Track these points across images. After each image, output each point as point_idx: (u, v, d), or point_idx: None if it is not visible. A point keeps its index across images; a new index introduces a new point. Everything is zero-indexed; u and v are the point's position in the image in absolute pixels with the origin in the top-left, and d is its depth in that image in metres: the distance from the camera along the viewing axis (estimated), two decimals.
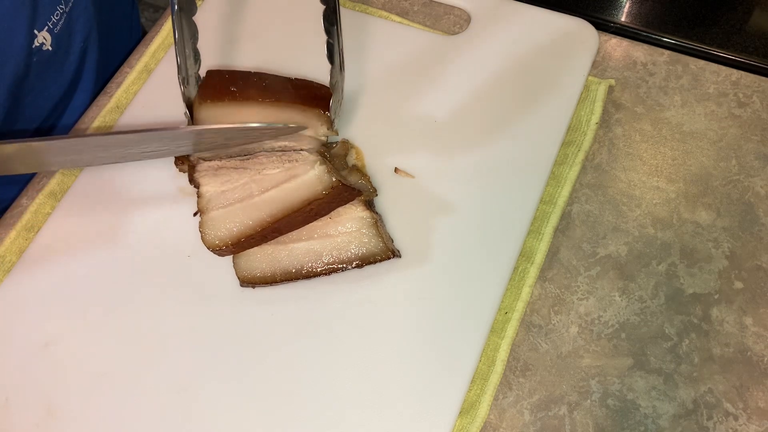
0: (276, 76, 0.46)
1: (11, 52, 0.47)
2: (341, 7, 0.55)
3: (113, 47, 0.61)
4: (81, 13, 0.53)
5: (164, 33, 0.56)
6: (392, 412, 0.40)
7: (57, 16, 0.50)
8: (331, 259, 0.43)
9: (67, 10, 0.51)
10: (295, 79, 0.47)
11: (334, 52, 0.45)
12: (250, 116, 0.44)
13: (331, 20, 0.44)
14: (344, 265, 0.43)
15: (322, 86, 0.47)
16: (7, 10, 0.45)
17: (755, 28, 0.56)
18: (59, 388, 0.42)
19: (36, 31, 0.48)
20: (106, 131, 0.49)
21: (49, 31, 0.49)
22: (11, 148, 0.38)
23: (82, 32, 0.54)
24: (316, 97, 0.46)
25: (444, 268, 0.44)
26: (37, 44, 0.49)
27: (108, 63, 0.59)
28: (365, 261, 0.43)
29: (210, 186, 0.44)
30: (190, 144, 0.43)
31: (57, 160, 0.42)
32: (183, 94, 0.45)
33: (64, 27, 0.51)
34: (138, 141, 0.41)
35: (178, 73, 0.44)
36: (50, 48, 0.50)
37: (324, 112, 0.45)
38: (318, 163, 0.43)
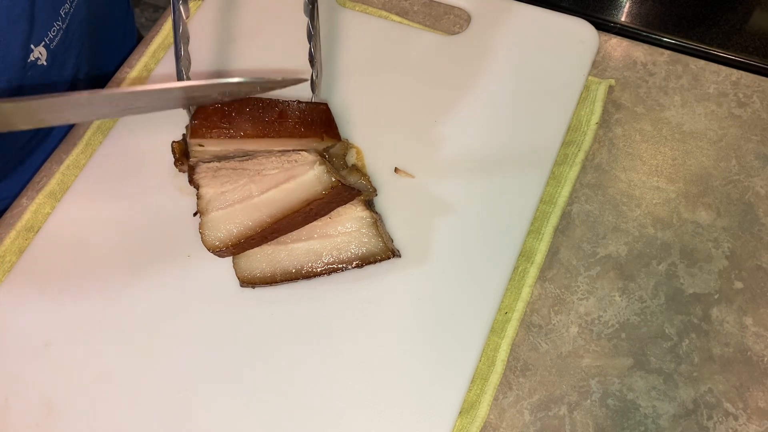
0: (270, 102, 0.46)
1: (6, 66, 0.47)
2: (342, 7, 0.55)
3: (106, 61, 0.61)
4: (76, 30, 0.53)
5: (164, 33, 0.56)
6: (392, 412, 0.40)
7: (54, 32, 0.50)
8: (331, 259, 0.43)
9: (64, 26, 0.51)
10: (289, 103, 0.46)
11: (315, 50, 0.47)
12: (247, 148, 0.45)
13: (313, 18, 0.46)
14: (344, 265, 0.43)
15: (316, 106, 0.46)
16: (3, 24, 0.45)
17: (755, 28, 0.56)
18: (59, 388, 0.42)
19: (32, 46, 0.48)
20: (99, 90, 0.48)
21: (46, 46, 0.49)
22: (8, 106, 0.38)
23: (77, 48, 0.54)
24: (313, 123, 0.45)
25: (444, 268, 0.44)
26: (33, 59, 0.49)
27: (100, 77, 0.59)
28: (365, 261, 0.43)
29: (209, 187, 0.44)
30: (183, 100, 0.44)
31: (52, 116, 0.42)
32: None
33: (60, 43, 0.51)
34: (126, 98, 0.41)
35: (176, 67, 0.46)
36: (45, 63, 0.50)
37: (322, 138, 0.46)
38: (317, 163, 0.43)
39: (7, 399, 0.42)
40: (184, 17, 0.44)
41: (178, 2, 0.44)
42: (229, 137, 0.44)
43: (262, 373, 0.42)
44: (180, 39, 0.45)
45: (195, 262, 0.45)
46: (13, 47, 0.47)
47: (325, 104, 0.47)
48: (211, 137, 0.44)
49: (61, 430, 0.41)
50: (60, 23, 0.50)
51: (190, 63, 0.46)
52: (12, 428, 0.41)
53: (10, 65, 0.47)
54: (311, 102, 0.47)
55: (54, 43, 0.50)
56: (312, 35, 0.46)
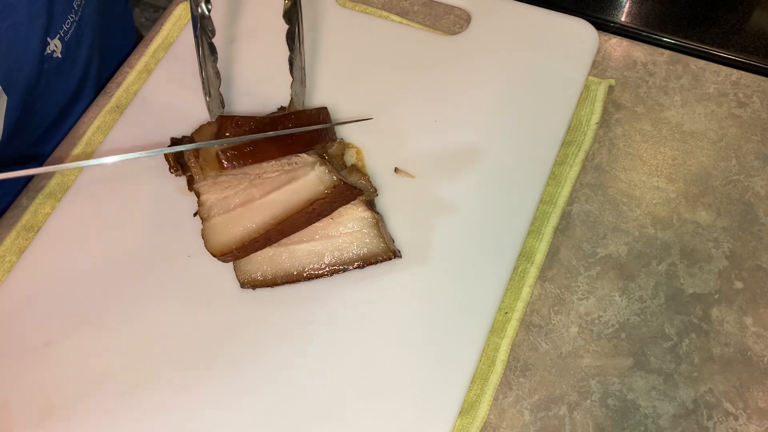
0: (277, 118, 0.46)
1: (26, 60, 0.48)
2: (342, 8, 0.55)
3: (111, 53, 0.62)
4: (88, 22, 0.55)
5: (164, 33, 0.56)
6: (392, 411, 0.40)
7: (68, 24, 0.51)
8: (333, 260, 0.43)
9: (77, 18, 0.52)
10: (296, 114, 0.46)
11: (294, 67, 0.47)
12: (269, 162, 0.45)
13: (293, 39, 0.45)
14: (346, 266, 0.43)
15: (319, 111, 0.47)
16: (24, 19, 0.46)
17: (755, 28, 0.56)
18: (59, 388, 0.42)
19: (49, 39, 0.49)
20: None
21: (60, 38, 0.51)
22: None
23: (89, 40, 0.56)
24: (320, 129, 0.46)
25: (444, 268, 0.44)
26: (49, 51, 0.50)
27: (107, 68, 0.60)
28: (366, 261, 0.43)
29: (210, 194, 0.44)
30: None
31: None
32: (207, 104, 0.47)
33: (73, 35, 0.52)
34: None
35: (202, 88, 0.46)
36: (60, 55, 0.51)
37: (327, 141, 0.47)
38: (318, 164, 0.43)
39: (7, 399, 0.42)
40: (210, 34, 0.43)
41: (197, 23, 0.42)
42: (256, 163, 0.44)
43: (261, 372, 0.42)
44: (206, 57, 0.44)
45: (195, 262, 0.45)
46: (32, 42, 0.48)
47: (325, 108, 0.48)
48: (242, 165, 0.44)
49: (61, 430, 0.41)
50: (73, 15, 0.52)
51: (220, 80, 0.46)
52: (12, 428, 0.41)
53: (30, 60, 0.48)
54: (314, 108, 0.47)
55: (68, 36, 0.52)
56: (293, 60, 0.46)
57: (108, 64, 0.60)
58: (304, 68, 0.47)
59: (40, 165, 0.53)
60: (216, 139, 0.44)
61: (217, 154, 0.43)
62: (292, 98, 0.48)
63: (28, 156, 0.56)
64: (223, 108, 0.48)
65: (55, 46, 0.50)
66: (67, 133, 0.54)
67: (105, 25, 0.59)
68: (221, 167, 0.43)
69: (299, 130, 0.45)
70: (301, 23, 0.45)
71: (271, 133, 0.44)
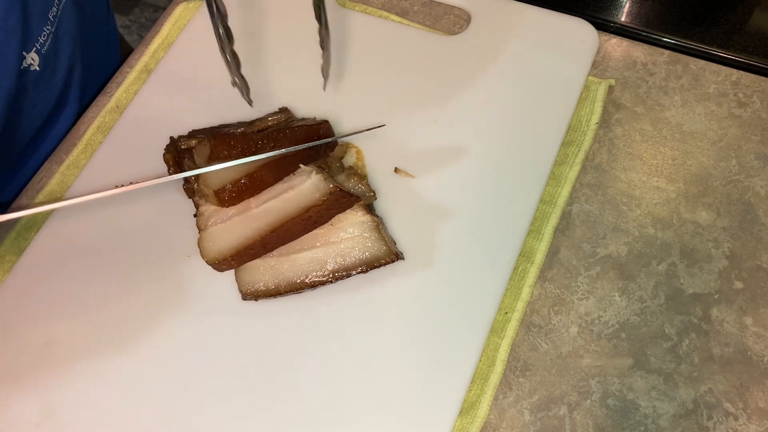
0: (276, 136, 0.45)
1: (3, 76, 0.47)
2: (342, 7, 0.55)
3: (94, 61, 0.61)
4: (65, 32, 0.54)
5: (164, 33, 0.56)
6: (393, 411, 0.40)
7: (44, 37, 0.50)
8: (336, 267, 0.43)
9: (53, 30, 0.51)
10: (294, 129, 0.46)
11: (323, 40, 0.47)
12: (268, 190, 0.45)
13: (319, 12, 0.45)
14: (349, 272, 0.43)
15: (319, 126, 0.47)
16: (0, 37, 0.46)
17: (755, 28, 0.56)
18: (59, 388, 0.42)
19: (24, 53, 0.49)
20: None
21: (37, 51, 0.50)
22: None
23: (68, 50, 0.55)
24: (319, 146, 0.46)
25: (444, 269, 0.44)
26: (26, 65, 0.49)
27: (91, 76, 0.59)
28: (369, 265, 0.43)
29: (209, 204, 0.44)
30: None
31: None
32: (239, 89, 0.48)
33: (50, 47, 0.52)
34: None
35: (229, 72, 0.47)
36: (38, 68, 0.51)
37: (328, 155, 0.47)
38: (314, 172, 0.43)
39: (7, 399, 0.42)
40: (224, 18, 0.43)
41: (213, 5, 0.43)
42: (255, 195, 0.44)
43: (261, 372, 0.42)
44: (225, 43, 0.44)
45: (195, 263, 0.45)
46: (9, 57, 0.47)
47: (327, 122, 0.48)
48: (241, 201, 0.44)
49: (61, 430, 0.41)
50: (50, 27, 0.51)
51: (239, 62, 0.46)
52: (12, 428, 0.41)
53: (8, 75, 0.48)
54: (313, 123, 0.47)
55: (45, 48, 0.51)
56: (322, 25, 0.46)
57: (91, 72, 0.59)
58: (328, 42, 0.47)
59: (31, 172, 0.53)
60: (211, 159, 0.44)
61: (216, 194, 0.43)
62: (322, 68, 0.48)
63: (14, 166, 0.56)
64: (249, 89, 0.48)
65: (32, 59, 0.49)
66: (54, 141, 0.54)
67: (85, 34, 0.58)
68: (221, 204, 0.43)
69: (294, 149, 0.44)
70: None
71: (267, 154, 0.43)
